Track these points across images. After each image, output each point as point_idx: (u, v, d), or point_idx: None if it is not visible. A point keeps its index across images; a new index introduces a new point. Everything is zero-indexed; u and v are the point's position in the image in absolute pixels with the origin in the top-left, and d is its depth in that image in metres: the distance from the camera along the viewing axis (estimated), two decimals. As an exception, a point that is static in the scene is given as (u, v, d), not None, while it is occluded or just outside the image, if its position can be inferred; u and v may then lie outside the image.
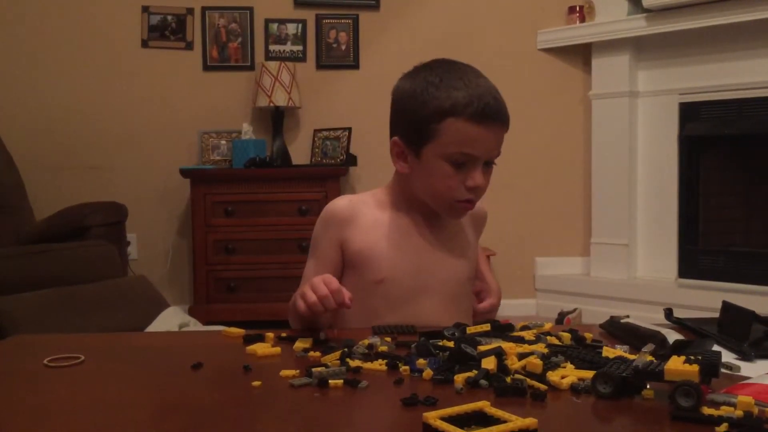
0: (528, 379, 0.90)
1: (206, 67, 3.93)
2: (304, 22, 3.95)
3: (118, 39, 3.86)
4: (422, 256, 1.34)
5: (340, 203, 1.36)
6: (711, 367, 0.85)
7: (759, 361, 1.03)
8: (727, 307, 1.18)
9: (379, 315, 1.31)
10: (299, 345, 1.10)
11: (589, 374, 0.91)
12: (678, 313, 1.29)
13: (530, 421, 0.73)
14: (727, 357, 1.03)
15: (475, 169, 1.25)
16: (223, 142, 3.86)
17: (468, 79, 1.25)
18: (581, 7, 3.90)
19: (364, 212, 1.34)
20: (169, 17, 3.90)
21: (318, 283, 1.18)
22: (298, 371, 0.96)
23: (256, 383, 0.92)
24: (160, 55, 3.90)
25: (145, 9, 3.88)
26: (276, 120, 3.79)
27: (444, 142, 1.24)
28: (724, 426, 0.75)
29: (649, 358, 0.89)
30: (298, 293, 1.24)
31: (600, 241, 3.86)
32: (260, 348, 1.09)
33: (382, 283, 1.31)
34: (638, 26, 3.62)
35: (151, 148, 3.88)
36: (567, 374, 0.92)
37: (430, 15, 3.95)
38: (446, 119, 1.23)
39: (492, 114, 1.23)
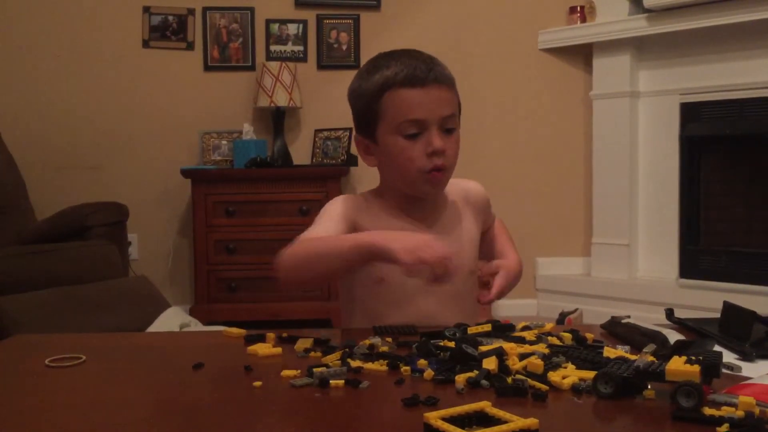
0: (529, 380, 0.90)
1: (207, 68, 3.93)
2: (305, 22, 3.95)
3: (119, 39, 3.86)
4: None
5: (352, 197, 1.38)
6: (712, 368, 0.85)
7: (760, 361, 1.03)
8: (728, 307, 1.18)
9: (380, 315, 1.31)
10: (300, 345, 1.10)
11: (590, 374, 0.91)
12: (679, 314, 1.29)
13: (531, 422, 0.73)
14: (728, 357, 1.03)
15: (430, 134, 1.25)
16: (224, 142, 3.86)
17: (397, 57, 1.29)
18: (582, 8, 3.90)
19: (364, 211, 1.35)
20: (170, 17, 3.90)
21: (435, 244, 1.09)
22: (299, 371, 0.96)
23: (257, 383, 0.92)
24: (161, 55, 3.90)
25: (146, 9, 3.88)
26: (277, 120, 3.79)
27: (389, 117, 1.27)
28: (725, 426, 0.75)
29: (650, 358, 0.89)
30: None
31: (601, 241, 3.86)
32: (261, 348, 1.09)
33: (382, 284, 1.31)
34: (639, 26, 3.62)
35: (152, 148, 3.88)
36: (568, 374, 0.92)
37: (430, 15, 3.95)
38: (383, 95, 1.26)
39: (423, 75, 1.25)
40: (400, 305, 1.31)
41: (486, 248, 1.48)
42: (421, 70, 1.25)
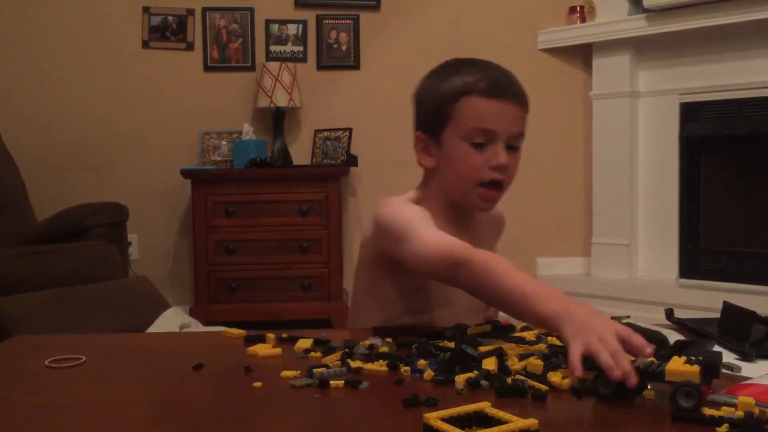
0: (529, 380, 0.90)
1: (207, 68, 3.93)
2: (304, 22, 3.95)
3: (118, 40, 3.86)
4: None
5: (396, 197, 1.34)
6: (712, 368, 0.85)
7: (760, 361, 1.03)
8: (728, 307, 1.18)
9: (397, 317, 1.30)
10: (300, 346, 1.11)
11: (589, 374, 0.91)
12: (679, 314, 1.29)
13: (531, 422, 0.73)
14: (728, 357, 1.03)
15: (496, 148, 1.25)
16: (224, 142, 3.86)
17: (480, 64, 1.30)
18: (582, 8, 3.89)
19: None
20: (170, 18, 3.90)
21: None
22: (299, 372, 0.96)
23: (257, 384, 0.92)
24: (161, 55, 3.90)
25: (146, 10, 3.88)
26: (277, 120, 3.79)
27: (461, 120, 1.25)
28: (725, 426, 0.75)
29: (651, 358, 0.89)
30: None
31: (601, 241, 3.86)
32: (261, 349, 1.09)
33: (412, 291, 1.30)
34: (639, 26, 3.62)
35: (152, 148, 3.88)
36: (568, 375, 0.92)
37: (430, 15, 3.95)
38: (460, 99, 1.25)
39: (504, 88, 1.26)
40: (421, 314, 1.31)
41: None
42: (503, 83, 1.26)
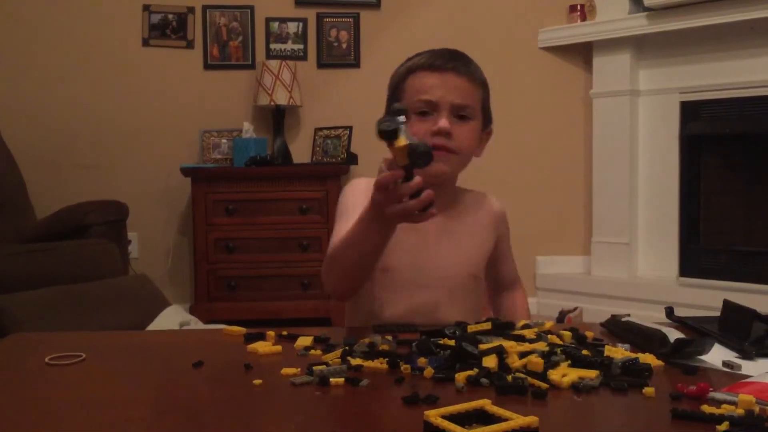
0: (529, 378, 0.90)
1: (207, 66, 3.93)
2: (304, 20, 3.95)
3: (119, 38, 3.86)
4: (428, 246, 1.36)
5: (367, 179, 1.39)
6: (422, 155, 1.02)
7: (760, 359, 1.03)
8: (728, 305, 1.18)
9: (382, 305, 1.33)
10: (300, 343, 1.11)
11: (590, 373, 0.91)
12: (679, 312, 1.29)
13: (531, 420, 0.73)
14: (729, 355, 1.03)
15: (438, 116, 1.32)
16: (224, 140, 3.86)
17: (429, 51, 1.40)
18: (582, 6, 3.89)
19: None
20: (170, 16, 3.90)
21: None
22: (299, 369, 0.96)
23: (257, 381, 0.92)
24: (161, 53, 3.90)
25: (146, 8, 3.88)
26: (277, 118, 3.78)
27: (408, 96, 1.36)
28: (726, 424, 0.75)
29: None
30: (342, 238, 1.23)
31: (601, 239, 3.86)
32: (261, 346, 1.09)
33: (387, 272, 1.32)
34: (639, 25, 3.62)
35: (152, 146, 3.88)
36: (568, 373, 0.92)
37: (431, 14, 3.95)
38: (408, 77, 1.38)
39: (443, 62, 1.35)
40: (402, 296, 1.33)
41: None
42: (443, 59, 1.36)
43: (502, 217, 1.50)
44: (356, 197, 1.35)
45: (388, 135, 1.06)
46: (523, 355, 0.98)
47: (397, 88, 1.39)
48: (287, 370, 0.96)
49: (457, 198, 1.44)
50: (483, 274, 1.44)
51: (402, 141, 1.05)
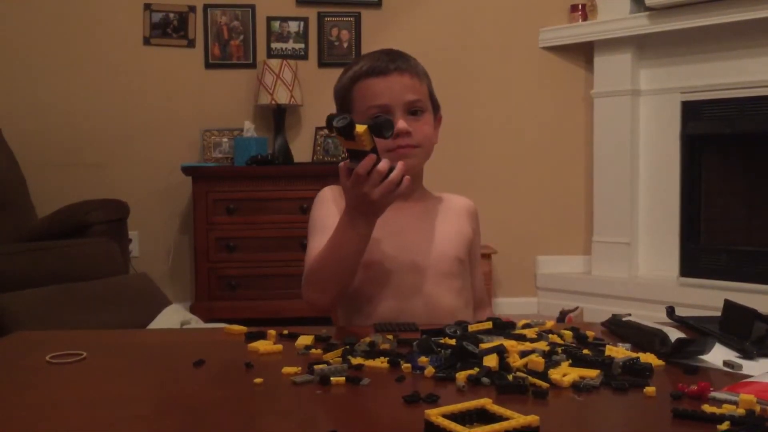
0: (530, 377, 0.90)
1: (208, 65, 3.93)
2: (306, 19, 3.95)
3: (120, 37, 3.86)
4: (407, 233, 1.38)
5: (332, 187, 1.43)
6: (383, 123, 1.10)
7: (761, 359, 1.03)
8: (728, 305, 1.18)
9: (372, 299, 1.34)
10: (301, 342, 1.11)
11: (590, 372, 0.91)
12: (680, 312, 1.29)
13: (532, 419, 0.73)
14: (729, 355, 1.03)
15: (394, 118, 1.33)
16: (225, 139, 3.86)
17: (367, 55, 1.42)
18: (583, 6, 3.89)
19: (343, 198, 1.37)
20: (171, 15, 3.90)
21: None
22: (299, 368, 0.96)
23: (258, 380, 0.92)
24: (162, 52, 3.90)
25: (147, 7, 3.88)
26: (278, 118, 3.79)
27: (358, 107, 1.38)
28: (727, 424, 0.75)
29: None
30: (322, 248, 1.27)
31: (601, 239, 3.86)
32: (262, 345, 1.09)
33: (372, 267, 1.33)
34: (640, 25, 3.62)
35: (152, 145, 3.88)
36: (568, 372, 0.92)
37: (431, 13, 3.95)
38: (353, 88, 1.39)
39: (385, 64, 1.37)
40: (391, 287, 1.34)
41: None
42: (384, 61, 1.37)
43: (475, 213, 1.52)
44: (324, 208, 1.38)
45: (347, 128, 1.10)
46: (524, 354, 0.98)
47: (344, 99, 1.41)
48: (288, 369, 0.96)
49: (427, 194, 1.48)
50: (466, 258, 1.44)
51: (361, 127, 1.10)
